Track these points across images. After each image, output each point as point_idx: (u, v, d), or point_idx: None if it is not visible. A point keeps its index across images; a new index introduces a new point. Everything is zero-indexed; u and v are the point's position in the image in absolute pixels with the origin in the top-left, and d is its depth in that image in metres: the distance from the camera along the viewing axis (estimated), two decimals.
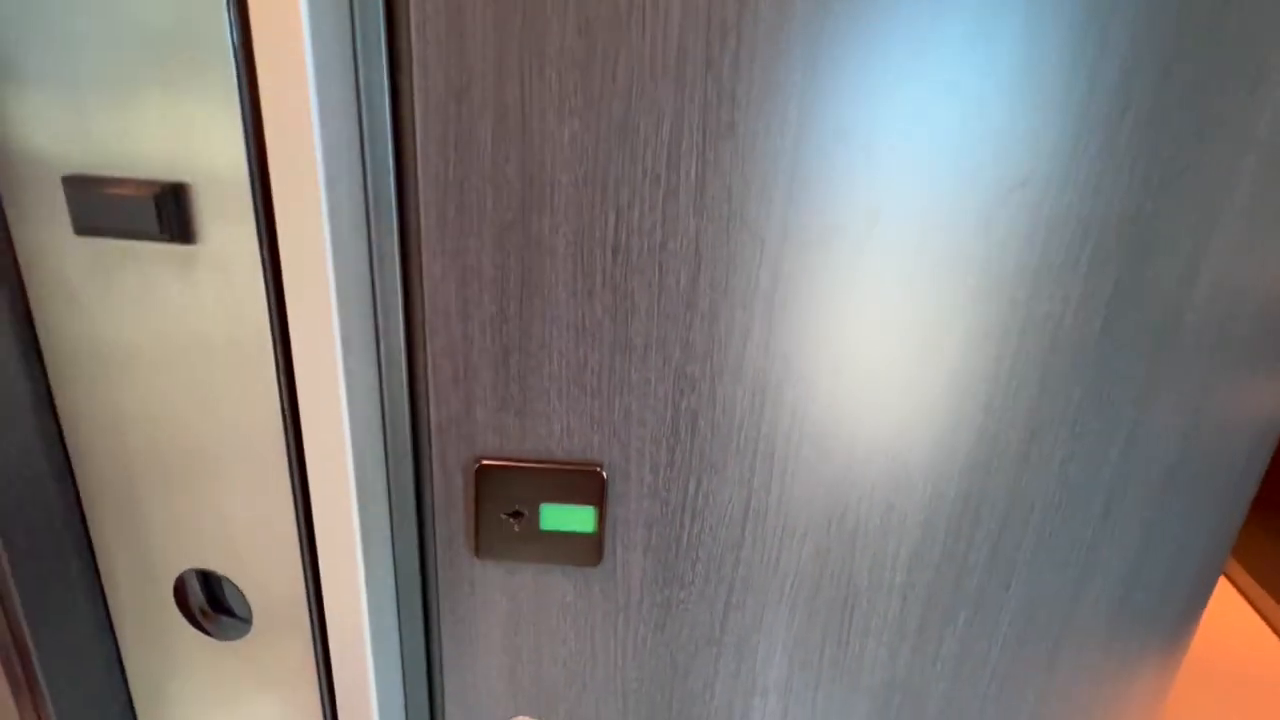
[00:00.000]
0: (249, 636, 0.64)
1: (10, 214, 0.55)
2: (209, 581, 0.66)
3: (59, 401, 0.62)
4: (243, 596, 0.63)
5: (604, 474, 0.36)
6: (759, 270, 0.33)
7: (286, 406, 0.53)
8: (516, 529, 0.36)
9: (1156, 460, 0.44)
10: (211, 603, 0.67)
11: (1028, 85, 0.32)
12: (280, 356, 0.52)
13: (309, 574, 0.58)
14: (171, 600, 0.66)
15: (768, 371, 0.35)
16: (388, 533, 0.59)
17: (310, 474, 0.53)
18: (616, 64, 0.29)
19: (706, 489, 0.37)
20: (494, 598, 0.39)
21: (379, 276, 0.50)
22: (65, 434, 0.64)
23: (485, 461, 0.35)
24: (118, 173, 0.51)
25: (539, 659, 0.40)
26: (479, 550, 0.37)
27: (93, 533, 0.68)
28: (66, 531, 0.66)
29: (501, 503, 0.36)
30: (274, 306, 0.51)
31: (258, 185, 0.47)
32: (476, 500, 0.36)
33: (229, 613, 0.68)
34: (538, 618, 0.39)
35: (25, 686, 0.67)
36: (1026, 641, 0.48)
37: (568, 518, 0.36)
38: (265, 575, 0.61)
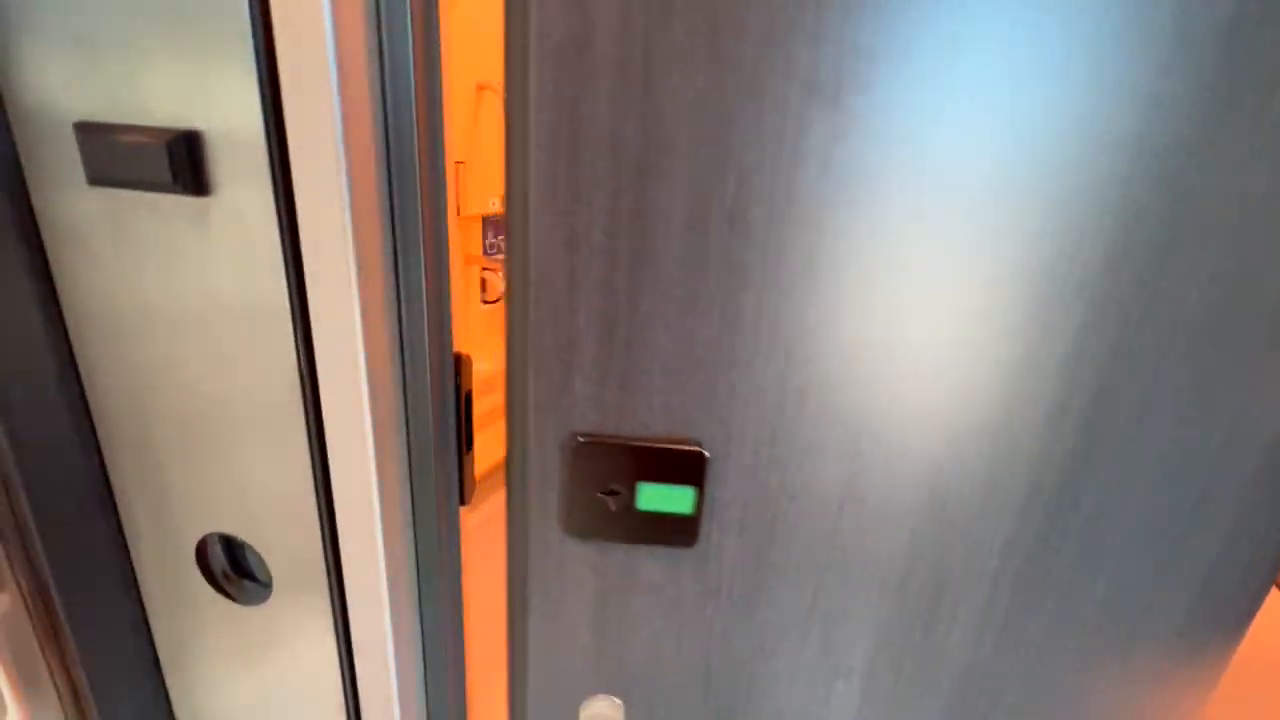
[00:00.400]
0: (269, 601, 0.64)
1: (25, 166, 0.54)
2: (231, 547, 0.66)
3: (80, 360, 0.61)
4: (263, 562, 0.63)
5: (706, 454, 0.34)
6: (883, 240, 0.31)
7: (304, 367, 0.52)
8: (612, 508, 0.35)
9: (1252, 455, 0.42)
10: (234, 567, 0.67)
11: (1179, 44, 0.29)
12: (297, 316, 0.51)
13: (327, 541, 0.58)
14: (194, 564, 0.66)
15: (881, 350, 0.34)
16: (408, 500, 0.59)
17: (328, 439, 0.53)
18: (747, 16, 0.27)
19: (808, 470, 0.36)
20: (583, 576, 0.38)
21: (400, 234, 0.48)
22: (87, 394, 0.63)
23: (583, 438, 0.34)
24: (130, 120, 0.49)
25: (623, 638, 0.40)
26: (571, 528, 0.36)
27: (116, 493, 0.68)
28: (90, 492, 0.66)
29: (598, 480, 0.34)
30: (290, 264, 0.49)
31: (273, 135, 0.45)
32: (572, 477, 0.35)
33: (251, 577, 0.68)
34: (625, 597, 0.38)
35: (55, 644, 0.68)
36: (1105, 631, 0.47)
37: (666, 498, 0.35)
38: (284, 541, 0.61)
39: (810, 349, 0.33)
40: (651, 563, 0.37)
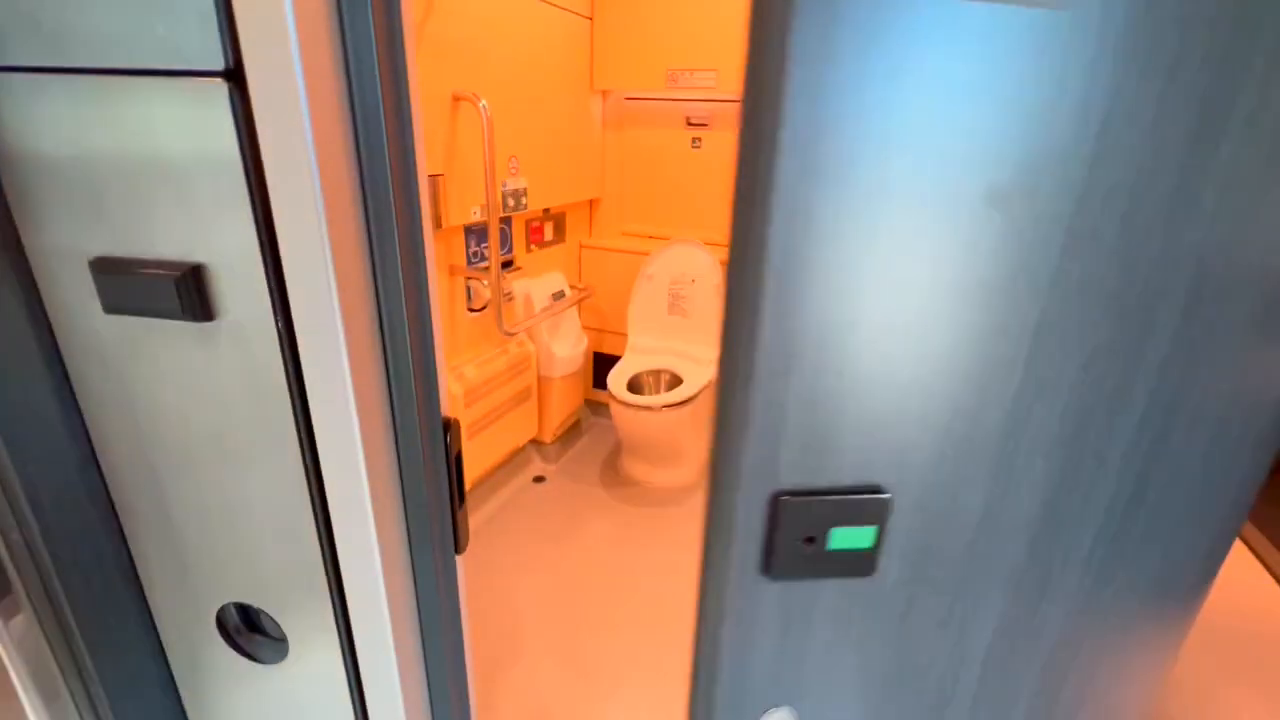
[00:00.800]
0: (286, 657, 0.71)
1: (45, 297, 0.60)
2: (248, 611, 0.73)
3: (102, 459, 0.67)
4: (278, 624, 0.70)
5: (890, 497, 0.40)
6: (1029, 311, 0.37)
7: (307, 454, 0.59)
8: (808, 552, 0.41)
9: (1254, 437, 0.51)
10: (250, 627, 0.74)
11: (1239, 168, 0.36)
12: (300, 417, 0.58)
13: (335, 598, 0.66)
14: (215, 630, 0.73)
15: (1026, 396, 0.40)
16: (408, 555, 0.67)
17: (331, 509, 0.60)
18: (950, 148, 0.32)
19: (958, 499, 0.43)
20: (772, 610, 0.43)
21: (389, 340, 0.57)
22: (110, 490, 0.69)
23: (785, 496, 0.39)
24: (140, 254, 0.55)
25: (800, 657, 0.45)
26: (772, 572, 0.41)
27: (139, 571, 0.75)
28: (116, 571, 0.72)
29: (797, 530, 0.40)
30: (291, 374, 0.56)
31: (270, 264, 0.53)
32: (774, 529, 0.40)
33: (266, 634, 0.75)
34: (805, 623, 0.44)
35: (89, 701, 0.73)
36: (1153, 594, 0.57)
37: (853, 537, 0.41)
38: (296, 604, 0.69)
39: (970, 402, 0.39)
40: (830, 592, 0.43)
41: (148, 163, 0.52)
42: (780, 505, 0.39)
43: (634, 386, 2.17)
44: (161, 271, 0.54)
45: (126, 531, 0.70)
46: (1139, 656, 0.60)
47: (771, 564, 0.41)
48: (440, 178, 1.76)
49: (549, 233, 2.22)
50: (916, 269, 0.35)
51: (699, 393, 2.07)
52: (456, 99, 1.74)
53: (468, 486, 2.08)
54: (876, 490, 0.40)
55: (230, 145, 0.49)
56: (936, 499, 0.42)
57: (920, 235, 0.34)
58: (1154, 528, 0.52)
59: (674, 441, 2.21)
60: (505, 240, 2.14)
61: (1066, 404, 0.42)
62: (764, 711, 0.47)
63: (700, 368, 2.18)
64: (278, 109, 0.47)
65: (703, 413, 2.25)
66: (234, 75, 0.48)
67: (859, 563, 0.42)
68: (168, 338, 0.57)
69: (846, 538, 0.41)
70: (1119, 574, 0.53)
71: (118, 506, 0.69)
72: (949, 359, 0.38)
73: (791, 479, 0.39)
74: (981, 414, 0.40)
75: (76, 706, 0.73)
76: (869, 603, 0.44)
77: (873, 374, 0.37)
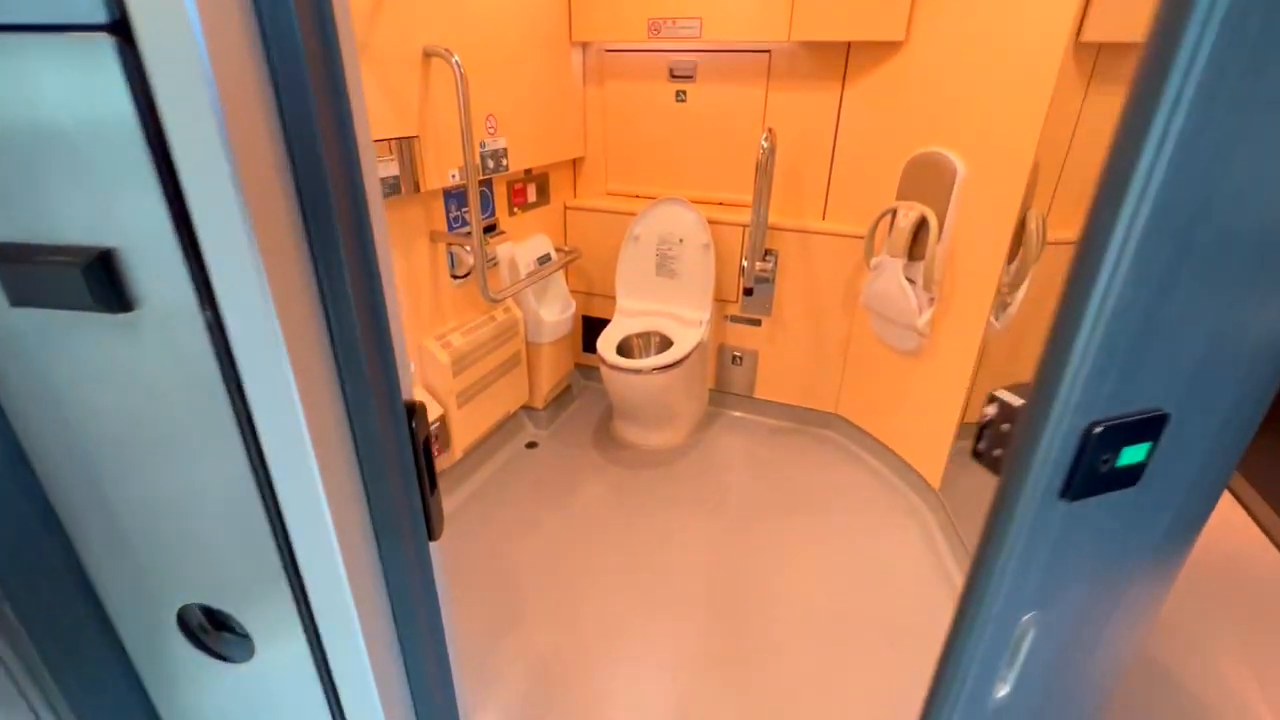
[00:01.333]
0: (254, 655, 0.70)
1: None
2: (213, 612, 0.70)
3: (36, 463, 0.62)
4: (241, 624, 0.69)
5: (1169, 413, 0.45)
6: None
7: (251, 445, 0.56)
8: (1103, 470, 0.45)
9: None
10: (219, 628, 0.72)
11: None
12: (240, 410, 0.54)
13: (299, 594, 0.64)
14: (178, 633, 0.71)
15: (1248, 327, 0.45)
16: (374, 546, 0.65)
17: (283, 503, 0.58)
18: None
19: (1194, 408, 0.48)
20: (1051, 526, 0.48)
21: (336, 324, 0.53)
22: (48, 492, 0.64)
23: (1097, 426, 0.43)
24: (41, 239, 0.50)
25: (1061, 567, 0.51)
26: (1069, 494, 0.45)
27: (92, 578, 0.70)
28: (66, 575, 0.68)
29: (1100, 454, 0.44)
30: (225, 364, 0.53)
31: (187, 245, 0.48)
32: (1082, 456, 0.44)
33: (233, 631, 0.72)
34: (1072, 534, 0.49)
35: (51, 712, 0.70)
36: (1192, 497, 0.63)
37: (1135, 453, 0.46)
38: (257, 602, 0.67)
39: (1221, 324, 0.44)
40: (1098, 505, 0.48)
41: (33, 133, 0.45)
42: (1092, 434, 0.43)
43: (624, 350, 2.16)
44: (66, 259, 0.47)
45: (71, 534, 0.66)
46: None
47: (1071, 487, 0.45)
48: (415, 140, 1.63)
49: (532, 194, 2.12)
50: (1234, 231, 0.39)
51: (689, 354, 2.10)
52: (428, 55, 1.60)
53: (460, 455, 2.01)
54: (1159, 411, 0.45)
55: (125, 111, 0.42)
56: (1184, 410, 0.47)
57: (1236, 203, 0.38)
58: (1226, 450, 0.57)
59: (665, 403, 2.24)
60: (487, 204, 2.03)
61: (1260, 335, 0.47)
62: (1021, 616, 0.52)
63: (689, 329, 2.21)
64: (173, 65, 0.41)
65: (694, 374, 2.29)
66: (120, 28, 0.41)
67: (1133, 474, 0.47)
68: (87, 331, 0.52)
69: (1131, 454, 0.46)
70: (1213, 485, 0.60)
71: (58, 508, 0.64)
72: (1234, 293, 0.42)
73: (1105, 410, 0.43)
74: (1223, 333, 0.45)
75: (35, 714, 0.69)
76: (1118, 508, 0.50)
77: (1183, 308, 0.41)
